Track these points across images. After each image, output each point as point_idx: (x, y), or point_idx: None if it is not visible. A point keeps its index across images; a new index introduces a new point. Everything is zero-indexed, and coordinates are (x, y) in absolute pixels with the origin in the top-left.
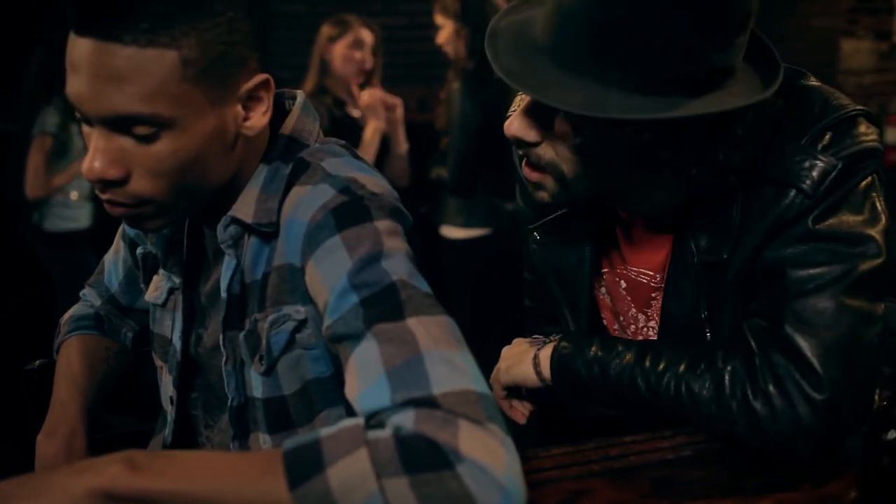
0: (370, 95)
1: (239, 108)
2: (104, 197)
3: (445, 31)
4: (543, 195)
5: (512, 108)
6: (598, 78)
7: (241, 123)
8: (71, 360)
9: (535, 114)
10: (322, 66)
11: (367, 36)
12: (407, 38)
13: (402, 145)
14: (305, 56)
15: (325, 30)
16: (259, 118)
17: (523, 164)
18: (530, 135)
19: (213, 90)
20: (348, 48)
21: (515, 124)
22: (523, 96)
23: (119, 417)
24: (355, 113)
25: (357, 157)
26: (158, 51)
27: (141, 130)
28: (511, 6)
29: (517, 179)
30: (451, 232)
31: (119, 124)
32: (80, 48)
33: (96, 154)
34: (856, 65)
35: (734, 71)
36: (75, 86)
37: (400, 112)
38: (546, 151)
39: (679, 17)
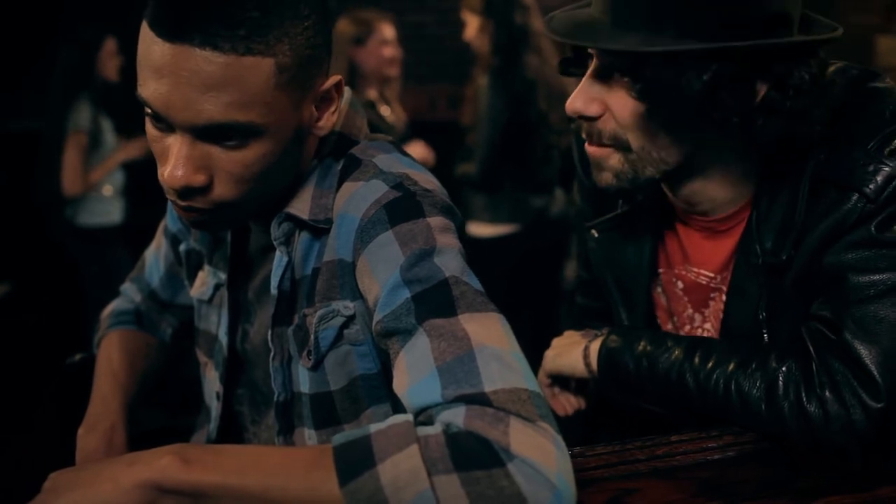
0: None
1: (313, 108)
2: (183, 204)
3: (471, 28)
4: (607, 177)
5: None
6: (653, 28)
7: (313, 123)
8: (111, 355)
9: (593, 84)
10: (350, 69)
11: (390, 30)
12: (436, 35)
13: None
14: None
15: (346, 30)
16: (329, 118)
17: (586, 144)
18: (591, 108)
19: (298, 94)
20: (377, 46)
21: (576, 100)
22: (578, 80)
23: (147, 412)
24: (385, 111)
25: (406, 153)
26: (256, 59)
27: (231, 137)
28: (570, 6)
29: (576, 176)
30: (478, 229)
31: (210, 132)
32: (168, 54)
33: (180, 161)
34: (891, 62)
35: (792, 25)
36: (162, 93)
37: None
38: (608, 124)
39: None
